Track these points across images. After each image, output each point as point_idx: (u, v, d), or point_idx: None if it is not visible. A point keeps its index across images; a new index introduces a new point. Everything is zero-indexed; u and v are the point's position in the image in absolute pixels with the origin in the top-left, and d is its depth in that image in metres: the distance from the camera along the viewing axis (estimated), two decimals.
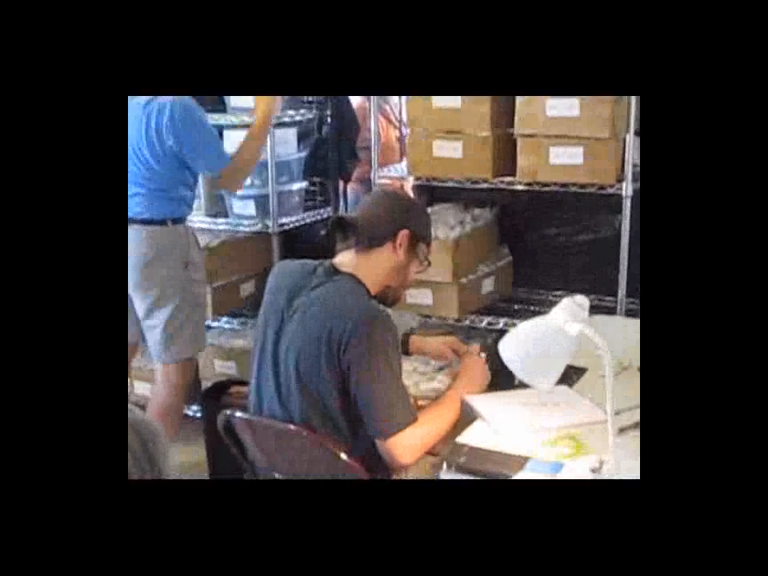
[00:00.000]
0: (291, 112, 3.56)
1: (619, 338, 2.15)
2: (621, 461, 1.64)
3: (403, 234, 2.20)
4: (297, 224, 3.76)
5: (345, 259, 2.18)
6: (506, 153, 3.07)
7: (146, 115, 2.85)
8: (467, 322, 3.36)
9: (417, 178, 3.22)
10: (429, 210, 3.08)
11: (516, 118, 3.00)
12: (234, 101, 3.49)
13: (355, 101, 3.98)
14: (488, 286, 3.48)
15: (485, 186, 3.13)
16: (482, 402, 2.25)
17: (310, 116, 3.67)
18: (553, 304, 1.86)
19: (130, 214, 2.87)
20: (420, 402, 2.34)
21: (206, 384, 3.39)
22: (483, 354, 2.39)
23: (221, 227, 3.56)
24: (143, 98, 2.85)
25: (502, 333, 2.04)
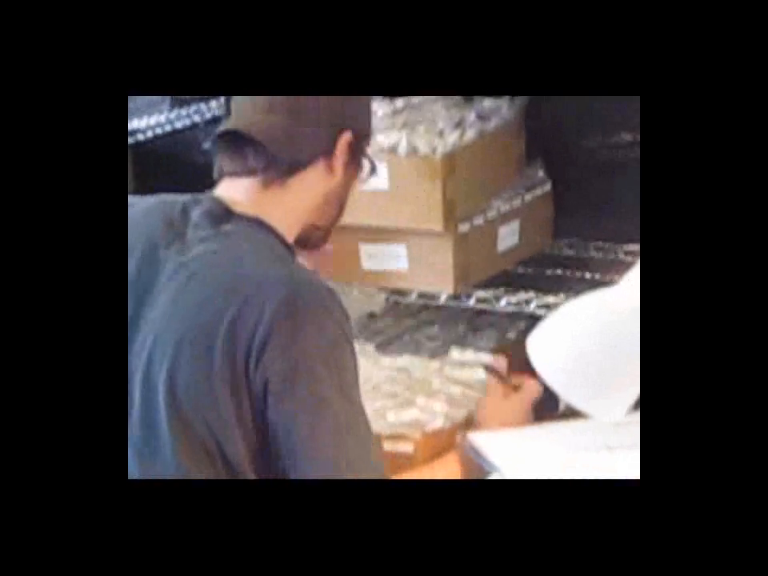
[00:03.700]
0: None
1: None
2: None
3: (344, 140, 1.94)
4: (159, 131, 3.41)
5: (236, 193, 1.91)
6: None
7: None
8: (471, 302, 2.85)
9: None
10: (399, 102, 2.85)
11: None
12: None
13: None
14: (508, 237, 2.95)
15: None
16: (497, 447, 1.99)
17: None
18: (623, 266, 1.86)
19: None
20: (387, 446, 2.14)
21: None
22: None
23: None
24: None
25: (533, 321, 2.03)
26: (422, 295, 2.89)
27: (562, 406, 2.03)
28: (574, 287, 2.84)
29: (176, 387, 1.81)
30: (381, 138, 2.73)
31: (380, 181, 2.70)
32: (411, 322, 2.99)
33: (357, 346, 2.38)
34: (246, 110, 1.95)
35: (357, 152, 1.99)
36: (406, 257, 2.79)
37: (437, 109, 2.87)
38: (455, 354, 2.63)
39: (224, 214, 1.90)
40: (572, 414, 1.91)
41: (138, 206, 1.99)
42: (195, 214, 1.91)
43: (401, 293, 2.95)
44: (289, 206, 1.93)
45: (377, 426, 2.23)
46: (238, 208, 1.91)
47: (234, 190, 1.93)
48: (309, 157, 1.93)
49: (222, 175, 1.94)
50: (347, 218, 2.81)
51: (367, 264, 2.82)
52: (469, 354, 2.62)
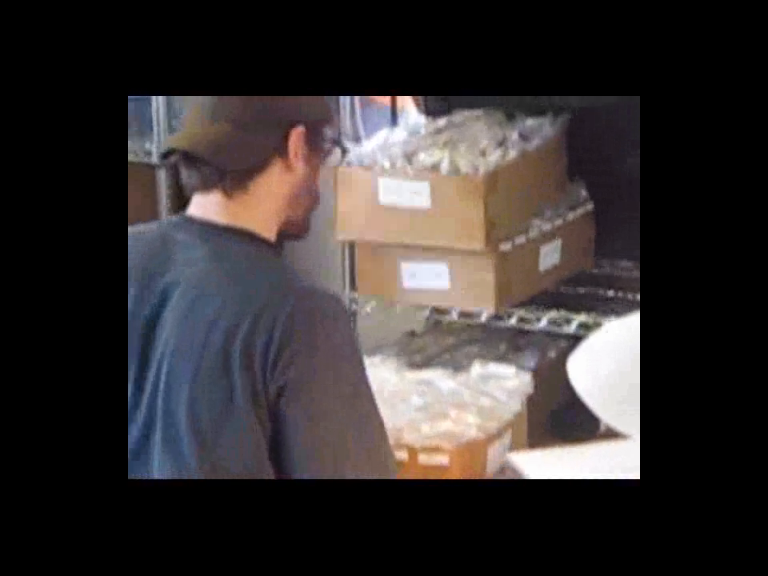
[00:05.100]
0: None
1: None
2: None
3: (296, 135, 1.88)
4: None
5: (209, 207, 1.88)
6: None
7: None
8: (512, 322, 2.91)
9: None
10: (442, 121, 2.90)
11: None
12: None
13: None
14: (550, 256, 3.01)
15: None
16: (536, 467, 2.03)
17: None
18: None
19: None
20: (423, 459, 2.19)
21: None
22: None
23: None
24: None
25: (574, 340, 2.07)
26: (463, 314, 2.91)
27: (602, 428, 2.01)
28: (615, 307, 2.85)
29: (198, 416, 1.80)
30: (423, 157, 2.73)
31: (422, 199, 2.73)
32: (452, 340, 3.00)
33: (379, 359, 2.36)
34: (190, 123, 1.92)
35: (315, 141, 1.93)
36: (447, 275, 2.81)
37: (479, 128, 2.91)
38: (477, 367, 2.64)
39: (208, 231, 1.88)
40: (611, 434, 1.89)
41: (132, 234, 1.96)
42: (180, 236, 1.89)
43: (442, 311, 2.96)
44: (259, 209, 1.89)
45: (411, 438, 2.26)
46: (217, 221, 1.89)
47: (205, 205, 1.89)
48: (261, 161, 1.89)
49: (190, 190, 1.94)
50: (388, 236, 2.82)
51: (408, 282, 2.84)
52: (491, 368, 2.63)
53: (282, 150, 1.86)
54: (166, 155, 1.92)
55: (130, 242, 1.88)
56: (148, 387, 1.82)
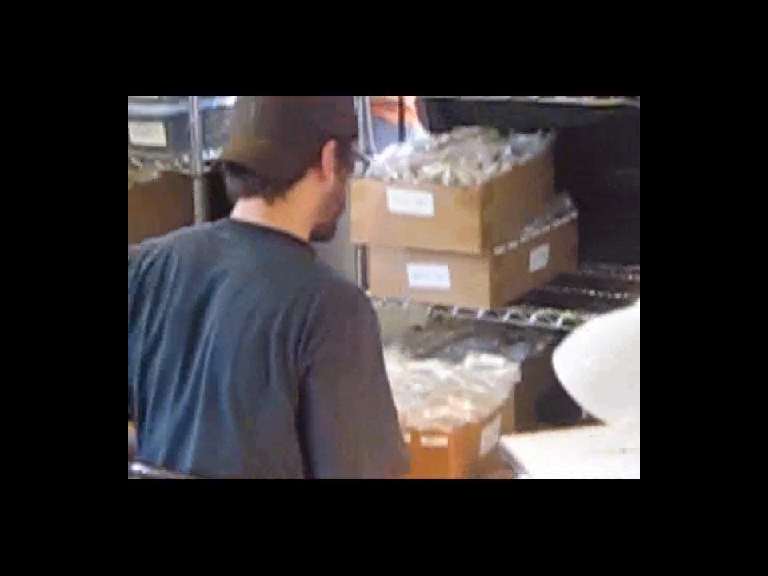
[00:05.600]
0: None
1: None
2: None
3: (329, 149, 1.98)
4: None
5: (252, 212, 2.00)
6: None
7: None
8: (505, 318, 3.05)
9: None
10: (444, 137, 3.03)
11: None
12: None
13: None
14: (539, 259, 3.14)
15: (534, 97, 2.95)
16: (526, 450, 2.04)
17: None
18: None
19: None
20: (424, 441, 2.27)
21: None
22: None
23: None
24: None
25: (560, 335, 2.08)
26: (461, 310, 3.00)
27: (584, 415, 2.05)
28: (596, 306, 2.95)
29: (239, 394, 1.87)
30: (427, 169, 2.82)
31: (426, 207, 2.81)
32: (452, 334, 3.08)
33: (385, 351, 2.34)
34: (236, 138, 2.02)
35: (344, 154, 2.03)
36: (447, 276, 2.90)
37: (476, 143, 3.02)
38: (471, 359, 2.71)
39: (250, 230, 1.97)
40: (591, 420, 1.96)
41: (164, 242, 2.06)
42: (225, 235, 1.98)
43: (443, 308, 3.04)
44: (294, 214, 1.98)
45: (415, 422, 2.36)
46: (258, 223, 1.98)
47: (248, 209, 1.99)
48: (298, 172, 1.97)
49: (234, 196, 2.04)
50: (396, 241, 2.90)
51: (413, 282, 2.93)
52: (483, 359, 2.71)
53: (316, 163, 1.96)
54: (217, 165, 2.05)
55: (182, 241, 2.01)
56: (194, 367, 1.91)
